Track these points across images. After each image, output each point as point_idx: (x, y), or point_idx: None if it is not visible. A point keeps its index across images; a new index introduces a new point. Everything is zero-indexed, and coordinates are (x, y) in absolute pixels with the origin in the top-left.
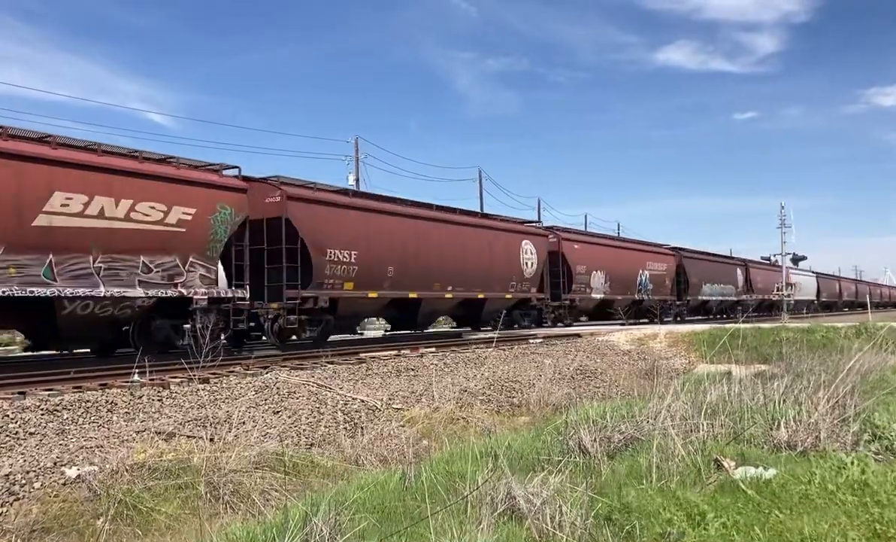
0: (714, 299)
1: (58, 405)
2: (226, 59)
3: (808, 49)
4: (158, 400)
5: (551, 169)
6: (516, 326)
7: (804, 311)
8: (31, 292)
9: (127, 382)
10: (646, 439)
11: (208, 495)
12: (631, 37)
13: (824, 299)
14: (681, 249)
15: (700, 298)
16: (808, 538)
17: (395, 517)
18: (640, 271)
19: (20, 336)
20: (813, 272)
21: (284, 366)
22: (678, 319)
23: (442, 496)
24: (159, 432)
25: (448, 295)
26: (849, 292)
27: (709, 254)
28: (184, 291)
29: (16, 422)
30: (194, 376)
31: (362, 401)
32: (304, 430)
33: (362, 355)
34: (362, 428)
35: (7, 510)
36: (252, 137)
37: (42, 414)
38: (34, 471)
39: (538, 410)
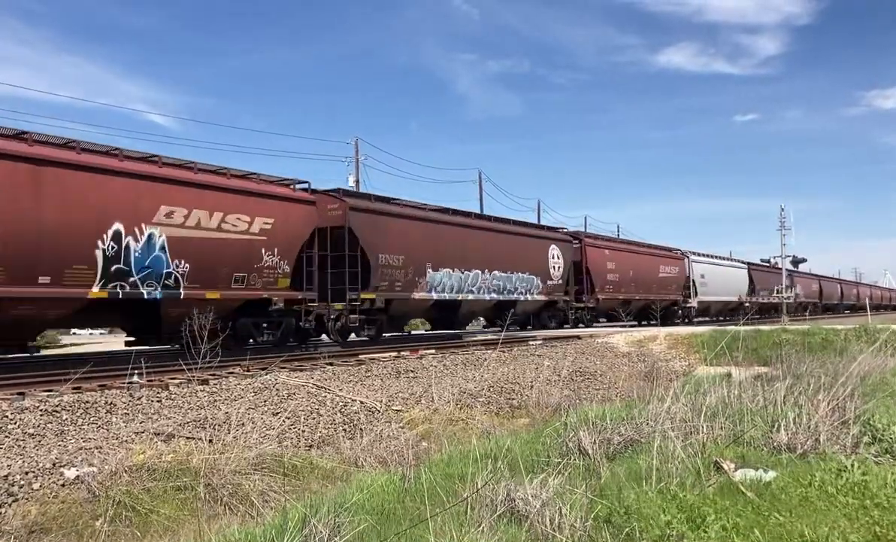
0: (473, 297)
1: (57, 406)
2: (227, 60)
3: (808, 51)
4: (157, 401)
5: (552, 171)
6: None
7: (721, 317)
8: None
9: (126, 383)
10: (645, 441)
11: (207, 496)
12: (632, 38)
13: (765, 300)
14: (350, 194)
15: (419, 296)
16: (808, 541)
17: (394, 519)
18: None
19: None
20: (744, 263)
21: (283, 368)
22: (343, 335)
23: (441, 498)
24: (158, 434)
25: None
26: (809, 292)
27: (448, 211)
28: None
29: (15, 423)
30: (193, 377)
31: (361, 403)
32: (304, 432)
33: (361, 356)
34: (361, 430)
35: (6, 511)
36: (253, 138)
37: (41, 415)
38: (33, 472)
39: (537, 411)
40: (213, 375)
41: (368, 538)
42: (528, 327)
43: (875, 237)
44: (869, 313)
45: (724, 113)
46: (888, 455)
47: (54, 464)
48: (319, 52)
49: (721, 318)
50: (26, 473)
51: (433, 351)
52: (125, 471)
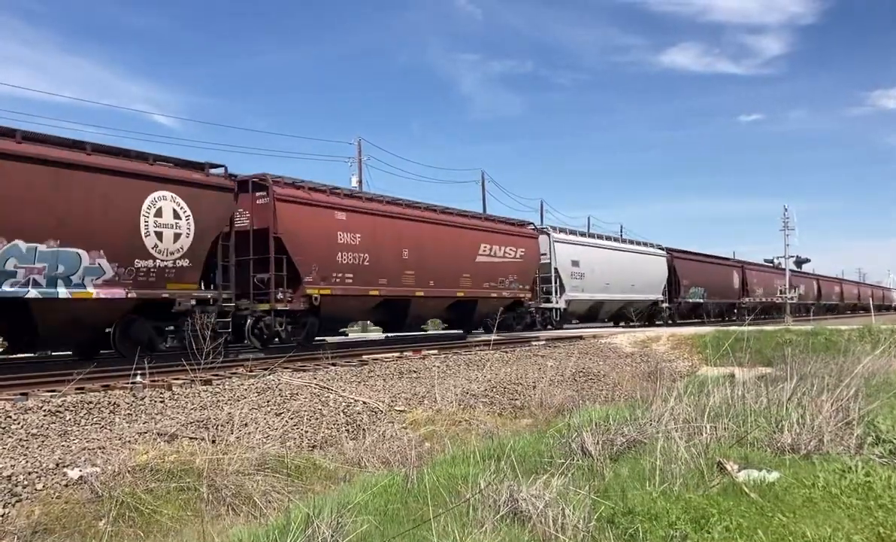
0: None
1: (60, 406)
2: (230, 60)
3: (813, 51)
4: (161, 401)
5: (555, 171)
6: None
7: (625, 322)
8: None
9: (129, 383)
10: (649, 442)
11: (210, 497)
12: (635, 39)
13: (700, 299)
14: None
15: None
16: None
17: (397, 520)
18: None
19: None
20: (663, 249)
21: (287, 368)
22: None
23: (444, 499)
24: (161, 434)
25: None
26: (772, 291)
27: None
28: None
29: (18, 423)
30: (196, 377)
31: (364, 403)
32: (306, 432)
33: (364, 357)
34: (364, 430)
35: (9, 512)
36: (256, 138)
37: (44, 415)
38: (36, 472)
39: (540, 412)
40: (216, 375)
41: (371, 539)
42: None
43: (880, 238)
44: (873, 313)
45: (727, 113)
46: (892, 456)
47: (57, 464)
48: (322, 53)
49: (620, 324)
50: (30, 473)
51: (436, 351)
52: (128, 471)
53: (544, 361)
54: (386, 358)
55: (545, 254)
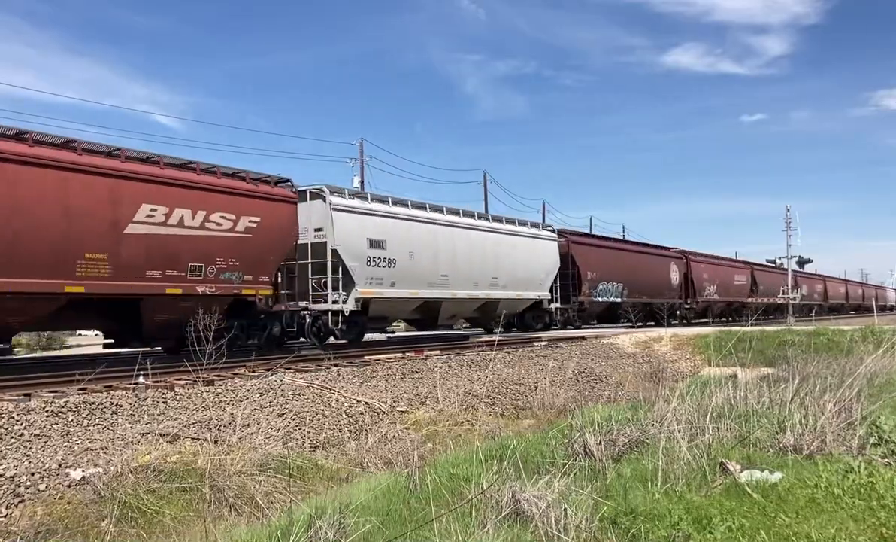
0: None
1: (63, 407)
2: (234, 62)
3: (816, 51)
4: (163, 402)
5: (557, 172)
6: None
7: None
8: None
9: (131, 384)
10: (651, 443)
11: (212, 497)
12: (639, 39)
13: (612, 298)
14: None
15: None
16: None
17: (399, 521)
18: None
19: (25, 338)
20: (555, 232)
21: (289, 368)
22: None
23: (447, 500)
24: (164, 435)
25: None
26: (731, 289)
27: None
28: None
29: (21, 424)
30: (199, 378)
31: (366, 403)
32: (309, 433)
33: (367, 357)
34: (367, 431)
35: (12, 512)
36: (259, 139)
37: (47, 416)
38: (39, 473)
39: (543, 413)
40: (219, 376)
41: (374, 539)
42: None
43: (883, 238)
44: (875, 313)
45: (730, 114)
46: (895, 457)
47: (60, 465)
48: (325, 54)
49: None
50: (32, 474)
51: (438, 352)
52: (131, 472)
53: (546, 361)
54: (388, 359)
55: (321, 229)
